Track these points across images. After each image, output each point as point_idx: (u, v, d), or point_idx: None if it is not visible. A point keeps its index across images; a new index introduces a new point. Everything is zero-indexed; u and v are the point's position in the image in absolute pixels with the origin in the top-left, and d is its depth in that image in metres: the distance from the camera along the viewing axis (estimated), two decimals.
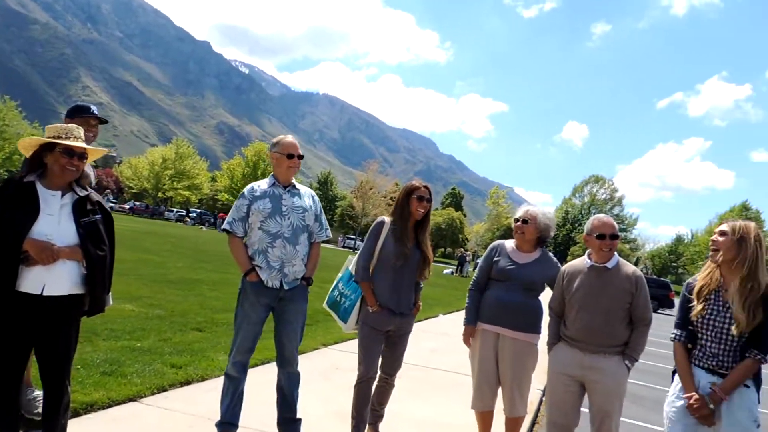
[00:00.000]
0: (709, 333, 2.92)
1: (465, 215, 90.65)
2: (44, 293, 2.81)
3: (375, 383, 4.04)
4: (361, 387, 3.93)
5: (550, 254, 4.07)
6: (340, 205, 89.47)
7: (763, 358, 2.80)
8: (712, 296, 2.95)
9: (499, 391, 4.00)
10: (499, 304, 3.90)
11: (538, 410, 5.57)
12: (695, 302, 2.98)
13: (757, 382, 2.89)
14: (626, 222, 79.57)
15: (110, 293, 3.19)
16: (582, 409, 3.68)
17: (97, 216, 3.01)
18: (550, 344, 3.80)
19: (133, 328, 6.37)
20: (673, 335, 3.10)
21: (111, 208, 3.99)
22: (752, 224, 2.91)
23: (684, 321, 3.05)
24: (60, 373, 2.96)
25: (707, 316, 2.92)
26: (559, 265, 3.99)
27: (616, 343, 3.55)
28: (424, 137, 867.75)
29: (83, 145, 2.98)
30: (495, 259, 4.03)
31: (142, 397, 4.29)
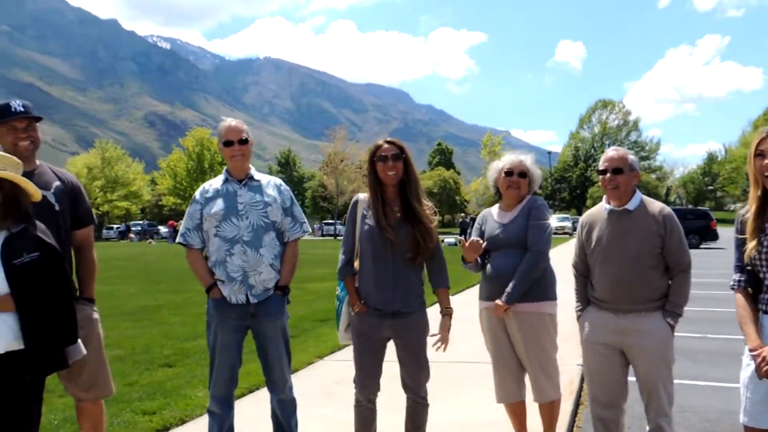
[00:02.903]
0: None
1: (459, 173, 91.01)
2: None
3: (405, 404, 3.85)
4: (359, 410, 3.77)
5: (534, 198, 4.13)
6: (309, 186, 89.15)
7: None
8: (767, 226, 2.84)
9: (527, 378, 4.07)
10: (495, 275, 3.94)
11: (580, 389, 5.66)
12: (747, 238, 2.87)
13: None
14: (647, 148, 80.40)
15: (77, 343, 3.11)
16: (630, 378, 3.71)
17: (33, 255, 2.92)
18: (579, 310, 3.86)
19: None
20: (732, 282, 3.01)
21: None
22: None
23: (742, 262, 2.95)
24: None
25: (764, 252, 2.81)
26: (545, 206, 4.09)
27: (652, 297, 3.56)
28: (394, 89, 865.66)
29: None
30: (483, 229, 4.13)
31: None
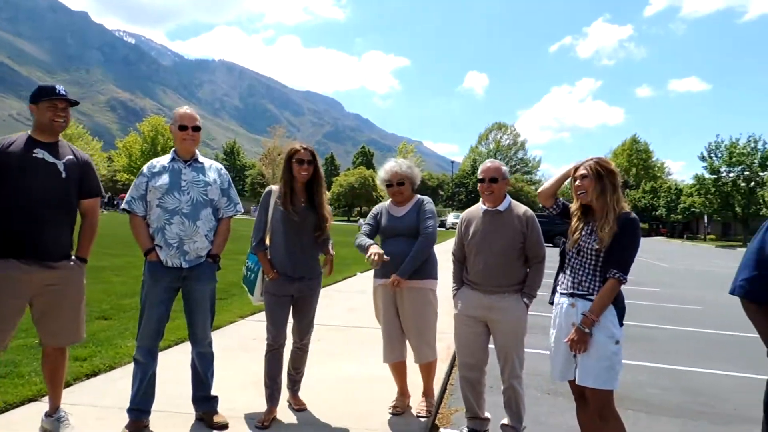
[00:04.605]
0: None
1: (377, 173, 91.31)
2: None
3: (289, 350, 4.04)
4: (271, 355, 3.95)
5: (422, 198, 4.16)
6: (250, 174, 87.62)
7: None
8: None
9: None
10: (388, 257, 3.95)
11: (455, 355, 5.75)
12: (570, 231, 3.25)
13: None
14: (530, 165, 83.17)
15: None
16: (491, 346, 3.85)
17: None
18: (455, 289, 3.95)
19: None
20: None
21: None
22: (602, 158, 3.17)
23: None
24: None
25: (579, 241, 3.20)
26: (431, 203, 4.16)
27: (513, 282, 3.73)
28: (328, 98, 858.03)
29: None
30: (377, 219, 4.17)
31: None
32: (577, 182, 3.15)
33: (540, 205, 3.58)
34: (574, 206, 3.24)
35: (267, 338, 3.94)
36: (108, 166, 74.92)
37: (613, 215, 3.02)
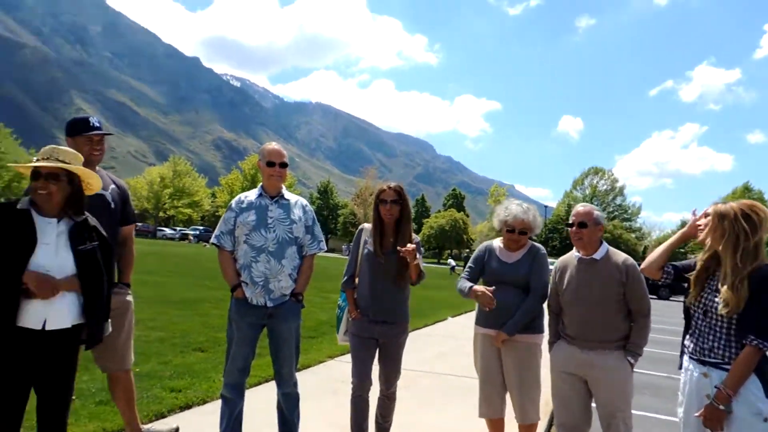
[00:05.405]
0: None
1: (468, 215, 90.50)
2: (46, 328, 2.73)
3: (377, 396, 3.93)
4: (356, 400, 3.86)
5: (538, 247, 3.90)
6: (342, 213, 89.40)
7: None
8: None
9: (508, 396, 3.88)
10: (496, 307, 3.73)
11: (553, 412, 5.42)
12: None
13: None
14: (629, 211, 79.40)
15: (108, 321, 3.11)
16: (593, 405, 3.55)
17: (94, 243, 2.94)
18: (551, 342, 3.73)
19: None
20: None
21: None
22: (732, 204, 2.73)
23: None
24: (60, 410, 2.86)
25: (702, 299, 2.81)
26: (546, 255, 3.90)
27: (614, 337, 3.44)
28: (420, 140, 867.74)
29: (46, 164, 2.79)
30: (485, 262, 3.91)
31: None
32: (700, 220, 2.83)
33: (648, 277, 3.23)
34: (701, 255, 2.84)
35: (352, 381, 3.86)
36: (212, 201, 79.06)
37: (742, 273, 2.57)
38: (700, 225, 2.86)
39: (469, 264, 4.00)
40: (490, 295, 3.58)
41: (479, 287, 3.66)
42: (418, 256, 3.72)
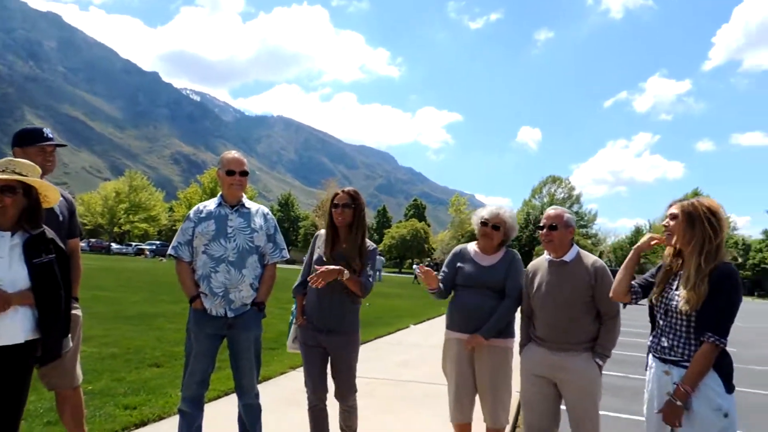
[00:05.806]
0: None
1: (429, 225, 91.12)
2: None
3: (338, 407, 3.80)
4: (313, 410, 3.75)
5: (514, 252, 3.87)
6: (303, 225, 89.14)
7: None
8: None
9: (477, 400, 3.80)
10: (469, 310, 3.70)
11: (517, 414, 5.38)
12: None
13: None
14: (586, 218, 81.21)
15: (69, 337, 2.98)
16: (563, 407, 3.50)
17: (51, 255, 2.82)
18: (521, 345, 3.67)
19: (83, 371, 5.95)
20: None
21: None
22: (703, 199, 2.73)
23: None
24: (10, 430, 2.70)
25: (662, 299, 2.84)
26: (521, 261, 3.84)
27: (583, 339, 3.41)
28: (382, 152, 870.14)
29: (2, 176, 2.70)
30: (459, 264, 3.84)
31: None
32: (665, 221, 2.82)
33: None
34: (666, 252, 2.86)
35: (306, 392, 3.74)
36: (169, 216, 77.63)
37: (704, 272, 2.59)
38: (666, 226, 2.83)
39: (443, 269, 3.93)
40: (431, 271, 3.64)
41: (421, 268, 3.69)
42: (346, 272, 3.50)
